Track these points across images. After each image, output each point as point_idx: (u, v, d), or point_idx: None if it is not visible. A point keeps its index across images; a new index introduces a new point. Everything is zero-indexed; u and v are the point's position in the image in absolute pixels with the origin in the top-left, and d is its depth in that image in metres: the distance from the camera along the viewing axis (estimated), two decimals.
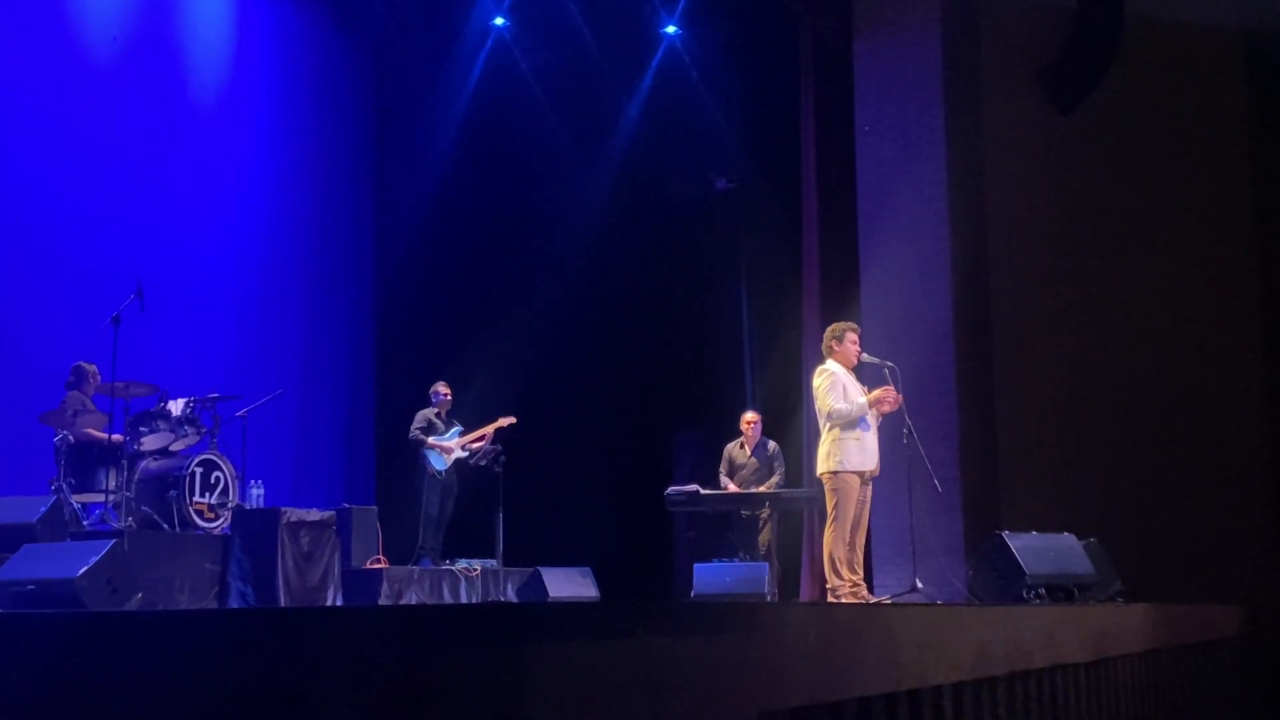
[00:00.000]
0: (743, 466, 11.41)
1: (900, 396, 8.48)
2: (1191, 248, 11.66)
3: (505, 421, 11.43)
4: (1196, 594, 9.52)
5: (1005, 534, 8.17)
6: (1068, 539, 8.44)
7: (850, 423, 8.31)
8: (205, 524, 9.24)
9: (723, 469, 11.47)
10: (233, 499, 9.52)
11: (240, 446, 10.00)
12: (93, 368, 9.60)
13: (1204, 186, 11.74)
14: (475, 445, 11.36)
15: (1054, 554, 8.18)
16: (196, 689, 2.69)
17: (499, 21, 14.47)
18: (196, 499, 9.27)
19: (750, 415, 11.57)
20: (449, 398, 11.55)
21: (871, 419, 8.45)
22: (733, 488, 11.29)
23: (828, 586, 8.42)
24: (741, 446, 11.48)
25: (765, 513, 11.25)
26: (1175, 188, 11.69)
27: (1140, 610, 7.56)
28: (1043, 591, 7.83)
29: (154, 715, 2.71)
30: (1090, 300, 11.58)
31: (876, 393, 8.41)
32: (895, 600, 8.69)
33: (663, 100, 14.20)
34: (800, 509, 11.51)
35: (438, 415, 11.45)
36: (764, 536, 11.20)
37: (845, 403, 8.31)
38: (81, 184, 11.31)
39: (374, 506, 10.72)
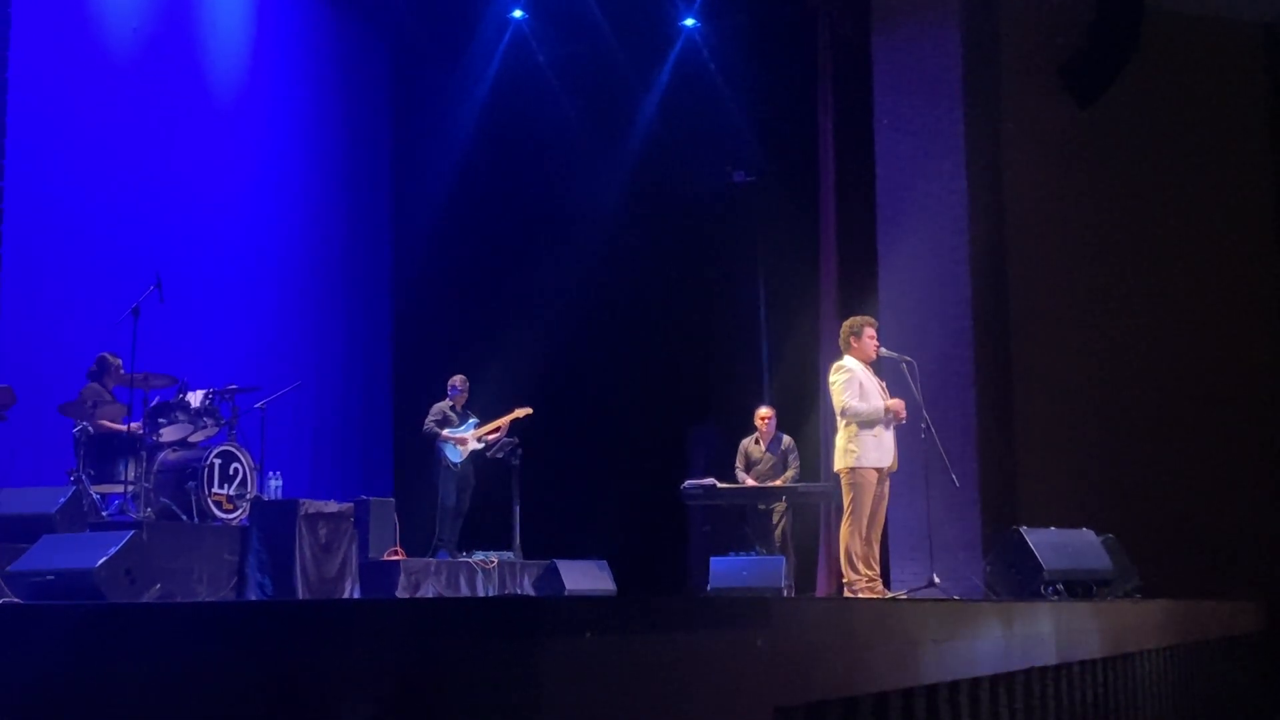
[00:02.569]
0: (758, 461, 11.41)
1: (904, 405, 8.47)
2: (1211, 242, 11.61)
3: (521, 412, 11.43)
4: (1215, 590, 9.48)
5: (1023, 529, 8.15)
6: (1086, 534, 8.42)
7: (868, 420, 8.32)
8: (223, 515, 9.26)
9: (739, 464, 11.47)
10: (251, 490, 9.55)
11: (259, 438, 10.02)
12: (116, 360, 9.63)
13: (1223, 181, 11.69)
14: (491, 437, 11.37)
15: (1072, 549, 8.15)
16: (215, 679, 2.70)
17: (517, 14, 14.46)
18: (215, 490, 9.30)
19: (764, 411, 11.56)
20: (465, 390, 11.56)
21: None
22: (750, 482, 11.28)
23: (844, 581, 8.41)
24: (757, 442, 11.48)
25: (781, 507, 11.24)
26: (1195, 182, 11.64)
27: (1159, 606, 7.54)
28: (1060, 587, 7.80)
29: (172, 705, 2.72)
30: (1109, 295, 11.54)
31: (894, 401, 8.39)
32: (912, 595, 8.68)
33: (681, 94, 14.17)
34: (816, 503, 11.50)
35: (453, 408, 11.46)
36: (779, 531, 11.19)
37: (861, 402, 8.29)
38: (101, 176, 11.34)
39: (391, 498, 10.74)
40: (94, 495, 8.98)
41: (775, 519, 11.26)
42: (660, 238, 13.97)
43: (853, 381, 8.37)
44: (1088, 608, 6.28)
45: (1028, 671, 5.06)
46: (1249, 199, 11.76)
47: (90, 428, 9.22)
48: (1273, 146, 11.88)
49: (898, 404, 8.39)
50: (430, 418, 11.40)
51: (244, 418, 10.03)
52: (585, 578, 10.51)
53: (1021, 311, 11.57)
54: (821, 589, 11.48)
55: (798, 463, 11.37)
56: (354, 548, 9.27)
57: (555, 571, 10.41)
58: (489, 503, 11.49)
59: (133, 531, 7.12)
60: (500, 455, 11.30)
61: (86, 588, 6.54)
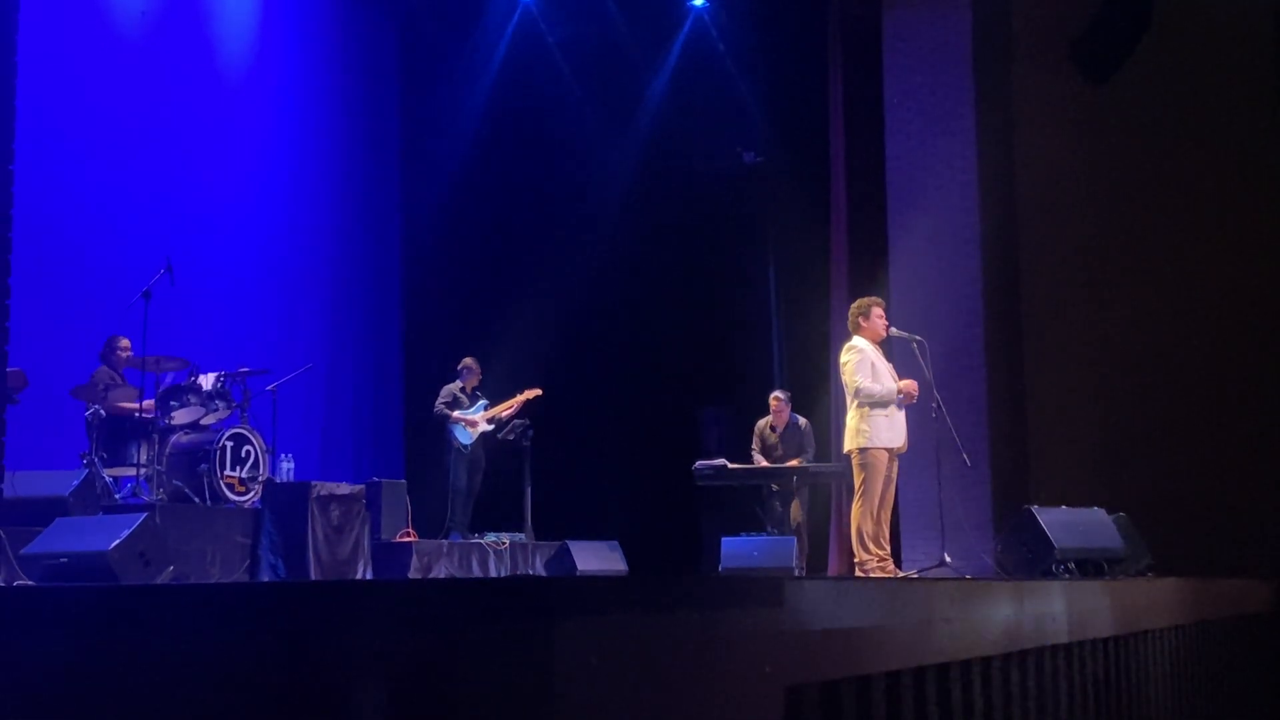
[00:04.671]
0: (775, 446, 11.38)
1: (916, 386, 8.48)
2: (1224, 221, 11.54)
3: (531, 394, 11.45)
4: (1227, 569, 9.46)
5: (1034, 508, 8.15)
6: (1097, 513, 8.41)
7: (880, 401, 8.32)
8: (236, 497, 9.29)
9: (755, 446, 11.44)
10: (263, 473, 9.58)
11: (270, 420, 10.05)
12: (123, 341, 9.65)
13: (1237, 159, 11.62)
14: (504, 416, 11.37)
15: (1083, 528, 8.15)
16: (228, 661, 2.71)
17: None
18: (227, 473, 9.33)
19: (776, 395, 11.51)
20: (476, 372, 11.57)
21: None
22: (762, 463, 11.27)
23: (855, 561, 8.42)
24: (771, 428, 11.44)
25: (789, 487, 11.20)
26: (1208, 161, 11.57)
27: (1170, 585, 7.52)
28: (1072, 566, 7.80)
29: (186, 687, 2.73)
30: (1120, 273, 11.50)
31: (906, 382, 8.39)
32: (923, 575, 8.69)
33: (690, 74, 14.14)
34: (828, 483, 11.49)
35: (463, 390, 11.48)
36: (795, 513, 11.15)
37: (875, 384, 8.30)
38: (110, 159, 11.36)
39: (403, 480, 10.77)
40: (106, 478, 9.02)
41: (792, 500, 11.22)
42: (670, 218, 13.95)
43: (864, 362, 8.37)
44: (1099, 586, 6.26)
45: (1039, 650, 5.06)
46: (1263, 178, 11.69)
47: (102, 410, 9.25)
48: None
49: (910, 384, 8.40)
50: (440, 400, 11.41)
51: (255, 400, 10.06)
52: (597, 558, 10.54)
53: (1032, 290, 11.54)
54: (833, 569, 11.50)
55: (813, 446, 11.34)
56: (366, 529, 9.31)
57: (567, 552, 10.44)
58: (501, 484, 11.52)
59: (145, 514, 7.16)
60: (511, 437, 11.32)
61: (100, 570, 6.57)
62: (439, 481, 11.42)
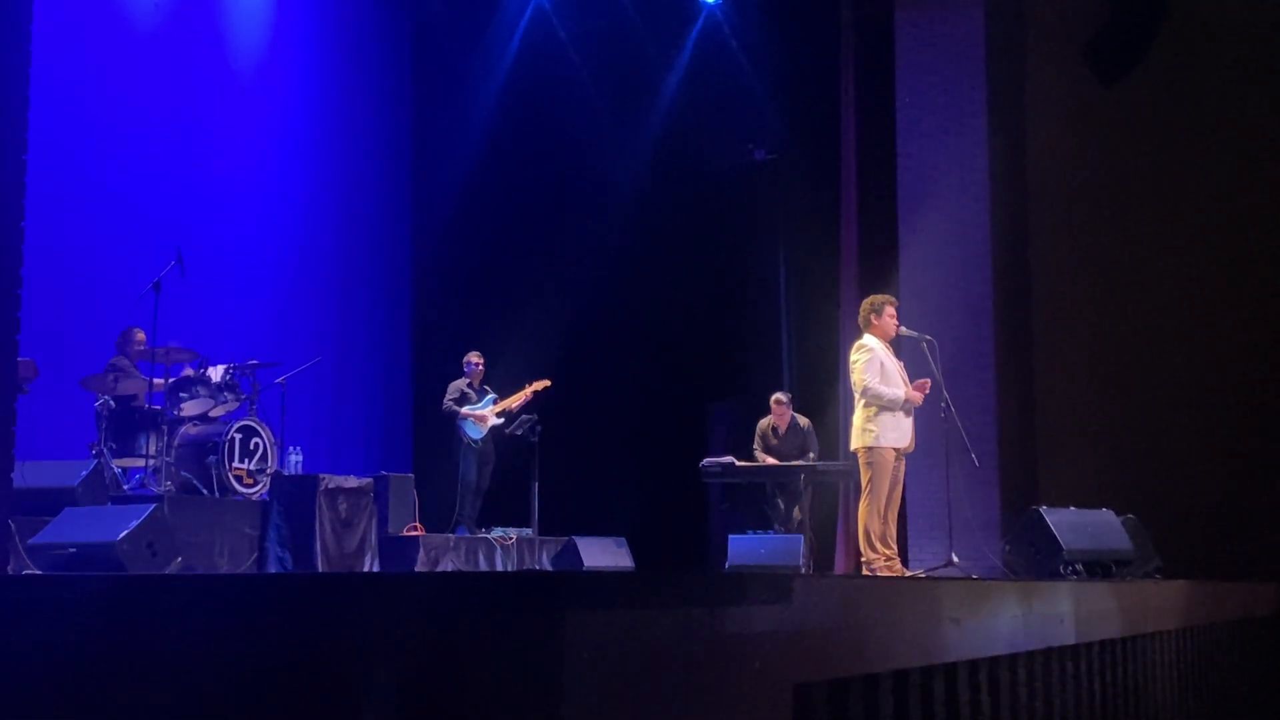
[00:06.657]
0: (776, 448, 11.35)
1: (928, 383, 8.46)
2: (1235, 222, 11.52)
3: (540, 385, 11.45)
4: (1234, 571, 9.44)
5: (1042, 509, 8.13)
6: (1106, 515, 8.39)
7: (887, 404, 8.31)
8: (244, 490, 9.30)
9: (757, 445, 11.41)
10: (271, 465, 9.59)
11: (279, 413, 10.06)
12: (141, 334, 9.65)
13: (1248, 160, 11.58)
14: (513, 408, 11.37)
15: (1092, 529, 8.13)
16: (235, 652, 2.72)
17: None
18: (236, 464, 9.34)
19: (777, 397, 11.45)
20: (481, 367, 11.57)
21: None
22: (768, 460, 11.25)
23: (862, 560, 8.42)
24: (774, 429, 11.41)
25: (801, 485, 11.18)
26: (1219, 162, 11.54)
27: (1178, 587, 7.51)
28: (1080, 567, 7.78)
29: (193, 677, 2.73)
30: (1131, 274, 11.47)
31: (915, 393, 8.38)
32: (930, 574, 8.67)
33: (702, 70, 14.13)
34: (835, 481, 11.47)
35: (469, 385, 11.48)
36: (797, 511, 11.12)
37: (883, 386, 8.28)
38: (122, 150, 11.36)
39: (411, 474, 10.78)
40: (115, 469, 9.02)
41: (798, 500, 11.18)
42: (681, 215, 13.93)
43: (874, 362, 8.35)
44: (1107, 588, 6.25)
45: (1046, 651, 5.05)
46: (1275, 178, 11.65)
47: (112, 401, 9.26)
48: None
49: (918, 395, 8.38)
50: (448, 396, 11.42)
51: (264, 393, 10.07)
52: (603, 554, 10.55)
53: (1043, 290, 11.52)
54: (840, 567, 11.49)
55: (817, 446, 11.31)
56: (373, 523, 9.33)
57: (574, 548, 10.44)
58: (508, 479, 11.52)
59: (154, 505, 7.16)
60: (520, 432, 11.32)
61: (108, 561, 6.57)
62: (446, 476, 11.43)
